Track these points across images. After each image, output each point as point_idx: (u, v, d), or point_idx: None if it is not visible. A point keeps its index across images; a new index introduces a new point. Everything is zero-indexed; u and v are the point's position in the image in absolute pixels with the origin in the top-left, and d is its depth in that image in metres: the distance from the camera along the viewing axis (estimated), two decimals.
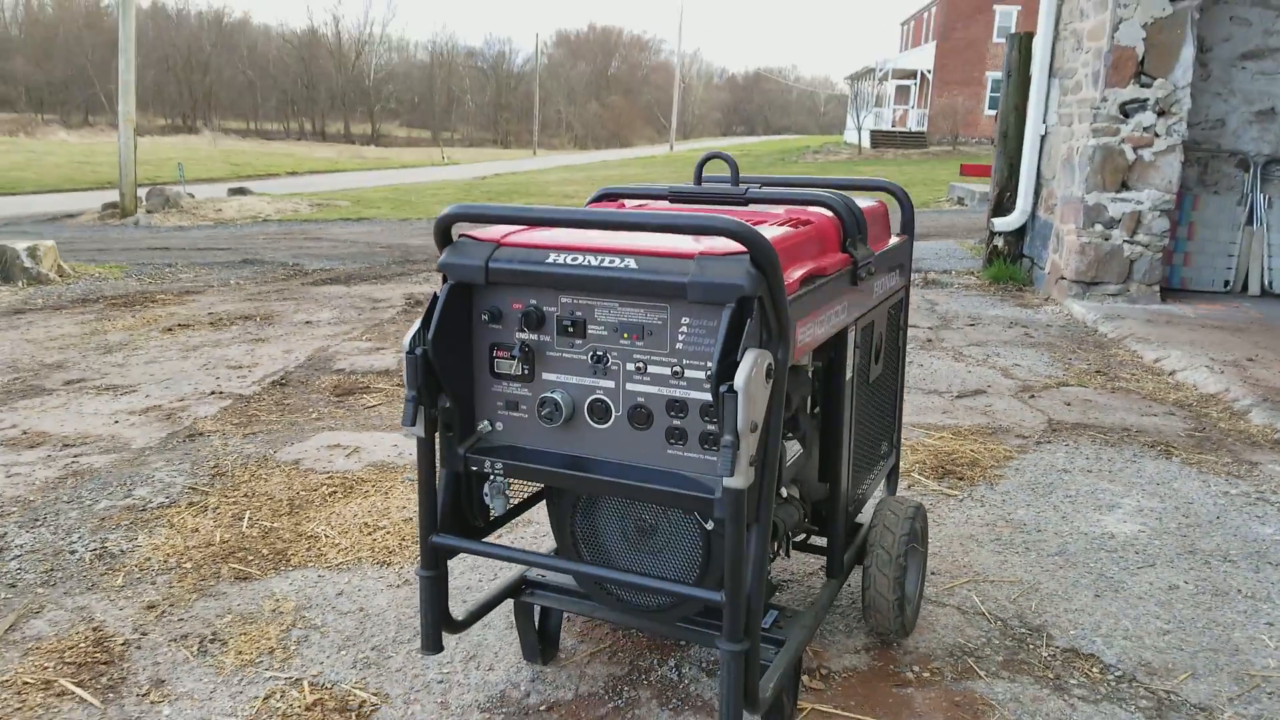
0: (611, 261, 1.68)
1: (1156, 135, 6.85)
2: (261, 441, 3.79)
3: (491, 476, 1.89)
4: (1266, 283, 7.59)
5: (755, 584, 1.64)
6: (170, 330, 5.82)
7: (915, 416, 4.26)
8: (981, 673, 2.26)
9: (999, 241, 8.53)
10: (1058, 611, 2.57)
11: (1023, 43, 8.20)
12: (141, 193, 14.68)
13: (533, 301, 1.78)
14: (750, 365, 1.53)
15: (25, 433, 3.84)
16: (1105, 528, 3.12)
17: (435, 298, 1.77)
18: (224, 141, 41.69)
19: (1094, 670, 2.29)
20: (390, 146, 47.75)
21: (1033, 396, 4.67)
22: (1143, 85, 6.78)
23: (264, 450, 3.69)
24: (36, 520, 3.00)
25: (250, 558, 2.77)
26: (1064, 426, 4.19)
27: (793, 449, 2.05)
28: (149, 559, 2.75)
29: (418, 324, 1.76)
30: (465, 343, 1.85)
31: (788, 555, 2.20)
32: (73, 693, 2.10)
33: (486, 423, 1.88)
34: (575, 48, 74.24)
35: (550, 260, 1.73)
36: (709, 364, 1.65)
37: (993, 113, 32.84)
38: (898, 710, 2.11)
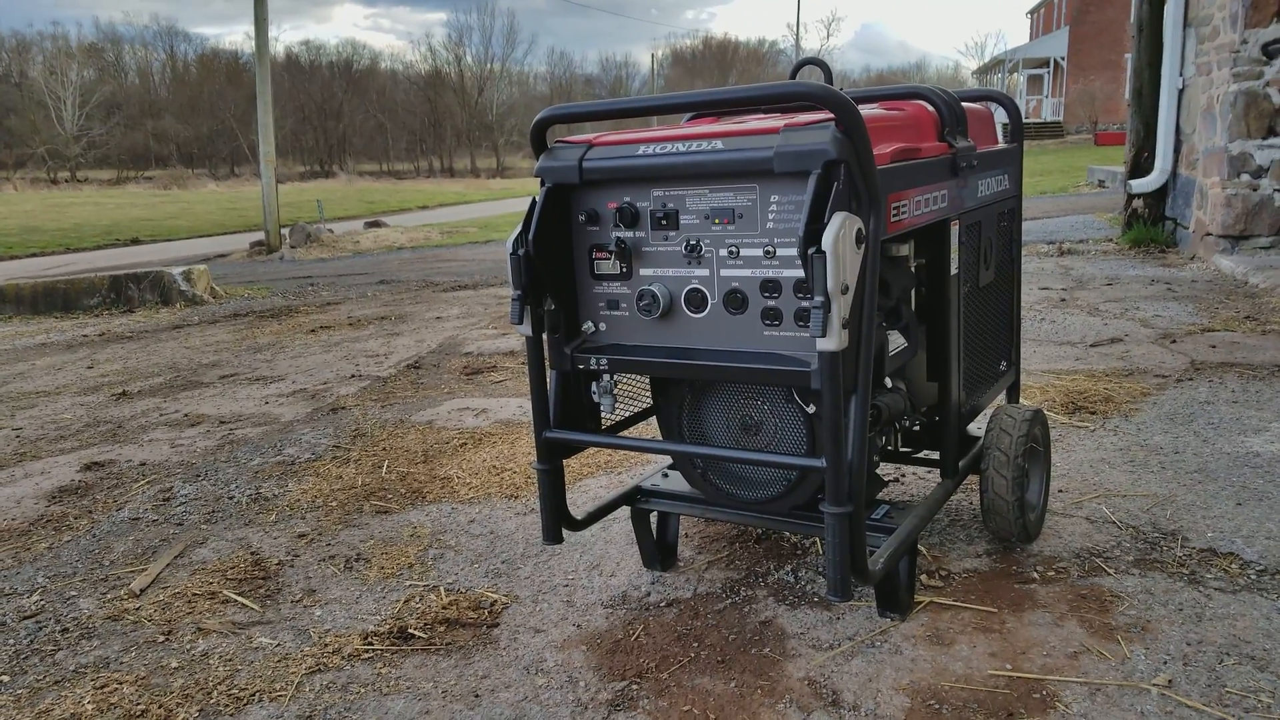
0: (699, 145, 1.73)
1: None
2: (398, 410, 3.99)
3: (598, 374, 1.97)
4: None
5: (857, 451, 1.66)
6: (313, 332, 6.17)
7: (1045, 364, 4.14)
8: (1110, 570, 2.20)
9: (1138, 204, 8.17)
10: (1194, 519, 2.47)
11: None
12: (284, 231, 15.55)
13: (626, 199, 1.85)
14: (838, 226, 1.53)
15: (186, 415, 4.15)
16: (1251, 448, 2.97)
17: (534, 201, 1.86)
18: (358, 183, 43.57)
19: (1233, 566, 2.20)
20: (515, 177, 48.86)
21: (1174, 342, 4.47)
22: None
23: (400, 415, 3.89)
24: (199, 476, 3.26)
25: (389, 496, 2.94)
26: (1208, 366, 4.00)
27: (895, 340, 2.05)
28: (298, 500, 2.95)
29: (519, 227, 1.85)
30: (566, 249, 1.93)
31: (896, 450, 2.19)
32: (235, 600, 2.30)
33: (590, 324, 1.95)
34: (691, 66, 74.46)
35: (640, 152, 1.79)
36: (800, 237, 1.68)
37: None
38: (1019, 602, 2.08)
